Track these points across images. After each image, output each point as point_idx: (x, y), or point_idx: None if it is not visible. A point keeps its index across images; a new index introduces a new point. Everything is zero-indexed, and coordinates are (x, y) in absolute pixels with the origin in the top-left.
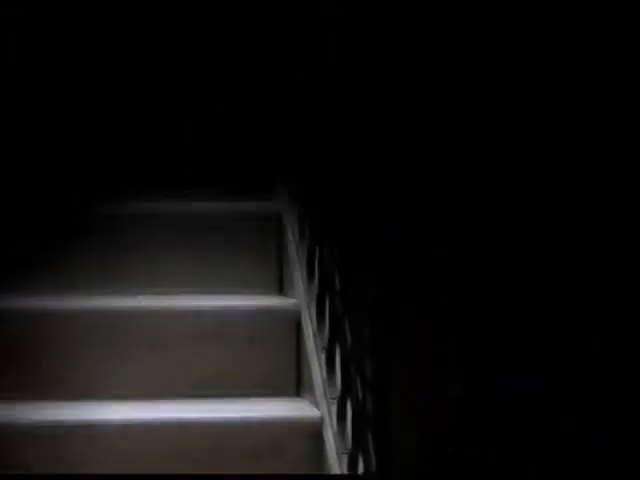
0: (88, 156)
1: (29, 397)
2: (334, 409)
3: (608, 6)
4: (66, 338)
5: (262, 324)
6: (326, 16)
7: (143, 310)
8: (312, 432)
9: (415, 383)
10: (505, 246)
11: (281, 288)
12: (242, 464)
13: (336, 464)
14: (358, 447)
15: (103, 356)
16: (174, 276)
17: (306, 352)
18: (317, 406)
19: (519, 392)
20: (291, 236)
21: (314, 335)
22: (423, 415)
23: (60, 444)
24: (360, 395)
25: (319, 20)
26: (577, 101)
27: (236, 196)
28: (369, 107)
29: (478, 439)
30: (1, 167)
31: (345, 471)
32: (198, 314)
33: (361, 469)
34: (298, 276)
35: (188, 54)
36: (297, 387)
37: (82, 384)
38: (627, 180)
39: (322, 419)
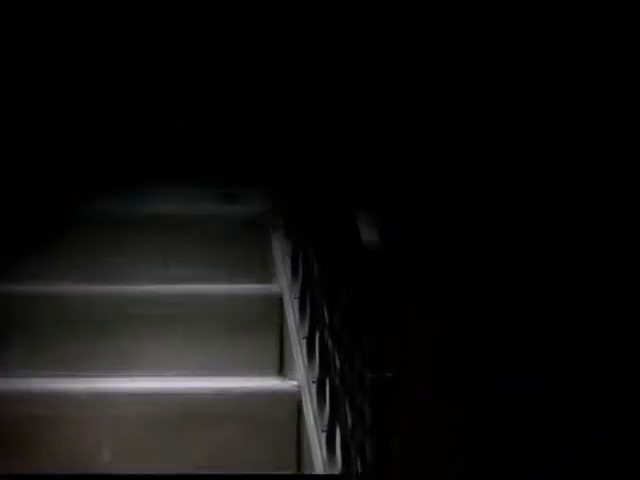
0: (87, 157)
1: None
2: None
3: (607, 7)
4: (62, 420)
5: (262, 405)
6: (326, 16)
7: (140, 392)
8: None
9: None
10: (505, 246)
11: (281, 369)
12: None
13: None
14: None
15: (100, 440)
16: (173, 358)
17: (306, 433)
18: None
19: (519, 392)
20: (291, 318)
21: (314, 416)
22: None
23: None
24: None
25: (319, 20)
26: (577, 102)
27: (237, 278)
28: (369, 107)
29: (478, 439)
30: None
31: None
32: (197, 396)
33: None
34: (298, 358)
35: (188, 54)
36: (298, 468)
37: (82, 463)
38: (627, 181)
39: None
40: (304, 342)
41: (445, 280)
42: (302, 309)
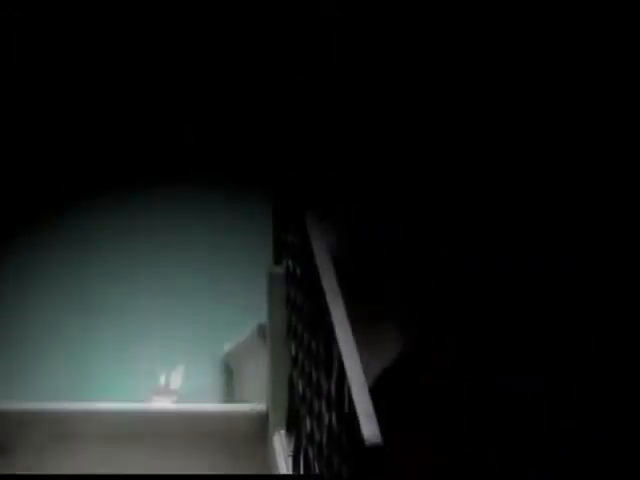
0: (87, 157)
1: None
2: None
3: (607, 8)
4: None
5: None
6: (326, 16)
7: None
8: None
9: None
10: (505, 246)
11: None
12: None
13: None
14: None
15: None
16: None
17: None
18: None
19: (519, 392)
20: None
21: None
22: None
23: None
24: None
25: (319, 20)
26: (576, 103)
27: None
28: (370, 107)
29: (478, 439)
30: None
31: None
32: None
33: None
34: None
35: (188, 55)
36: None
37: None
38: (627, 181)
39: None
40: None
41: (445, 280)
42: None
